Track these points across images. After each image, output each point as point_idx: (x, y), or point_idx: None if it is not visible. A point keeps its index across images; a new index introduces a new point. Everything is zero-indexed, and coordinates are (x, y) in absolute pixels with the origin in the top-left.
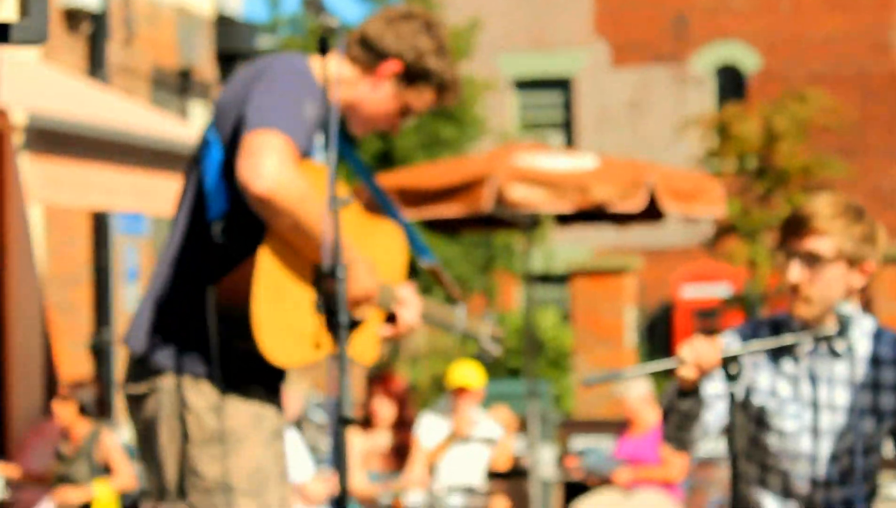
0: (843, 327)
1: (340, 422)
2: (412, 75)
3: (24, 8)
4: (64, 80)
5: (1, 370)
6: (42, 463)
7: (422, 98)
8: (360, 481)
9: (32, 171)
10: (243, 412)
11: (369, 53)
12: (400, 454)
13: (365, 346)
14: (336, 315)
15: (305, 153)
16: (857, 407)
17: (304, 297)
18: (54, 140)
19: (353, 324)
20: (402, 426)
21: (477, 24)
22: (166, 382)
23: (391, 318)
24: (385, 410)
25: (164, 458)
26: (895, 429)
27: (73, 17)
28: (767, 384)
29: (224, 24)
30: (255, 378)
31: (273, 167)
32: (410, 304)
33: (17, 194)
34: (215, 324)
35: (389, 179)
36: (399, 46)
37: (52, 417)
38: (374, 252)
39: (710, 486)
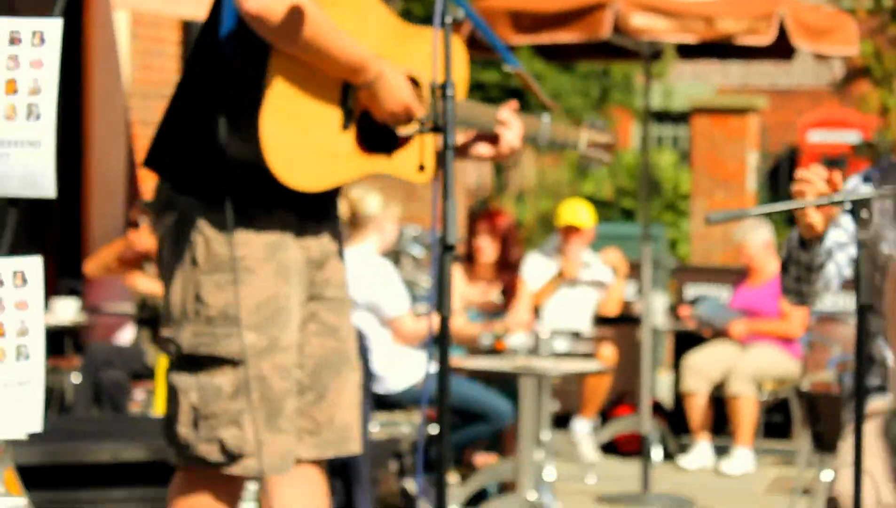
0: None
1: (444, 249)
2: None
3: None
4: None
5: (81, 188)
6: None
7: None
8: (461, 320)
9: None
10: (256, 239)
11: None
12: (504, 294)
13: (417, 163)
14: (384, 134)
15: None
16: None
17: (324, 116)
18: None
19: (395, 140)
20: (507, 265)
21: None
22: (179, 202)
23: (492, 139)
24: (489, 248)
25: (171, 280)
26: None
27: None
28: None
29: None
30: (281, 204)
31: None
32: (512, 125)
33: None
34: (226, 145)
35: (498, 2)
36: None
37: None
38: (420, 56)
39: (831, 342)
